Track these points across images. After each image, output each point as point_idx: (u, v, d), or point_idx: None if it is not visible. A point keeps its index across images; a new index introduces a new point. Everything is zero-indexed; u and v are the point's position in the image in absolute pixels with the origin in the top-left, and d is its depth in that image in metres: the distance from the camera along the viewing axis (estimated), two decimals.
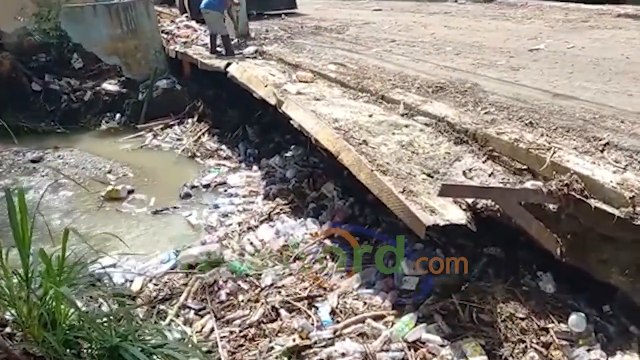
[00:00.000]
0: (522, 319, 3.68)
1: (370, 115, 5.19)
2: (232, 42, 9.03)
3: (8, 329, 2.02)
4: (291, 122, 5.46)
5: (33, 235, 2.22)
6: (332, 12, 12.46)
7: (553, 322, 3.65)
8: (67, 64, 10.56)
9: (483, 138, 4.44)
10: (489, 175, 4.21)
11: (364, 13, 12.01)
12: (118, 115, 10.14)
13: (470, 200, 3.94)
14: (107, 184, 7.39)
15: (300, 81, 6.77)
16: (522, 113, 4.60)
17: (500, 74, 5.83)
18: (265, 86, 6.38)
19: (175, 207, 6.71)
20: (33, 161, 8.43)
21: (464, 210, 3.91)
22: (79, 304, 4.25)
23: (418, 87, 5.73)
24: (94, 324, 2.15)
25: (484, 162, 4.37)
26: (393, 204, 3.96)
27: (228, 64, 7.75)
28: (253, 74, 6.92)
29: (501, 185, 3.92)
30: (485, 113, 4.82)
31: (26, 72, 10.20)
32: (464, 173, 4.31)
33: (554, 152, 3.89)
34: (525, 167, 4.08)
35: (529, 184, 3.87)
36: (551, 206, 3.71)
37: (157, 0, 13.48)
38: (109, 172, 7.95)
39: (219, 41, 8.88)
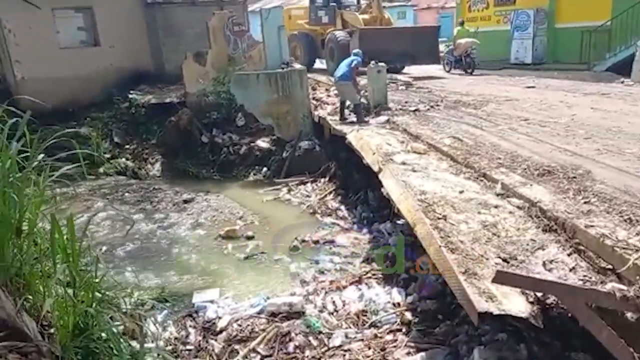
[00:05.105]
0: None
1: (461, 192, 5.10)
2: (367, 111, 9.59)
3: (53, 330, 2.54)
4: (382, 189, 5.62)
5: None
6: (481, 88, 12.31)
7: None
8: (232, 121, 12.24)
9: (571, 229, 4.08)
10: (570, 270, 3.82)
11: (513, 90, 11.64)
12: (264, 169, 11.31)
13: (540, 293, 3.64)
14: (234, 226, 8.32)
15: (414, 152, 6.89)
16: (625, 207, 4.10)
17: (623, 163, 5.23)
18: (373, 154, 6.65)
19: (262, 253, 7.36)
20: (185, 201, 9.85)
21: (531, 302, 3.61)
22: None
23: (525, 169, 5.45)
24: (114, 338, 2.57)
25: (568, 255, 3.98)
26: (453, 284, 3.85)
27: (351, 131, 8.25)
28: (367, 141, 7.27)
29: (568, 281, 3.54)
30: (585, 203, 4.40)
31: (199, 126, 12.11)
32: (544, 264, 3.97)
33: None
34: (610, 266, 3.64)
35: (609, 286, 3.44)
36: (629, 314, 3.25)
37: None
38: (240, 218, 8.90)
39: (349, 109, 9.57)
